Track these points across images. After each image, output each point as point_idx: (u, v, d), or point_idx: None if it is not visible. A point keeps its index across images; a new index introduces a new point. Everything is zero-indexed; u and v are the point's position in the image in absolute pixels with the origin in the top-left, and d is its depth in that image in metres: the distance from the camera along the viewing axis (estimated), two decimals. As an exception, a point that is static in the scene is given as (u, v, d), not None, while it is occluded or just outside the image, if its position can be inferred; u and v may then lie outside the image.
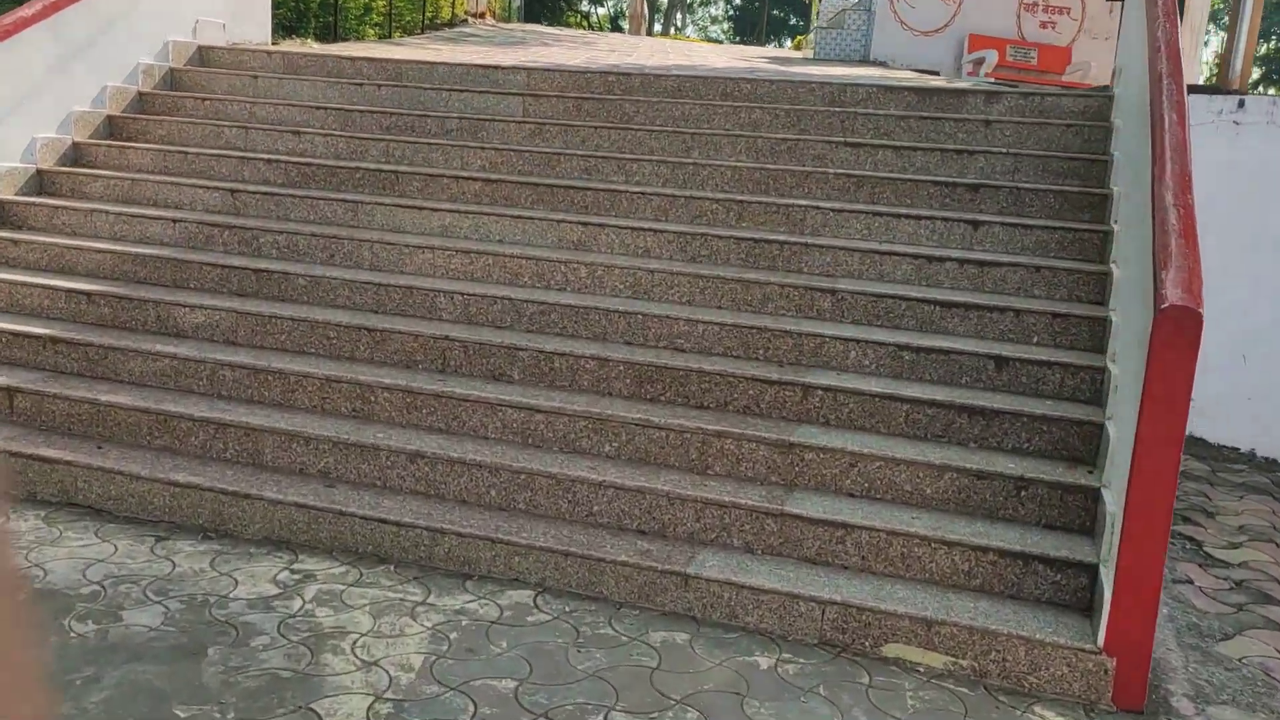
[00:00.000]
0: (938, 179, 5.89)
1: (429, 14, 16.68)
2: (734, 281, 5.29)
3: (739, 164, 6.21)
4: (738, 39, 50.67)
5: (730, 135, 6.46)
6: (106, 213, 6.34)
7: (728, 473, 4.42)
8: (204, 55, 7.97)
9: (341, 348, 5.23)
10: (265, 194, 6.42)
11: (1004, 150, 6.07)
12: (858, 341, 4.82)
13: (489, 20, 19.95)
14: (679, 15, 49.36)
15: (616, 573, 4.01)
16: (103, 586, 3.91)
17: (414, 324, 5.27)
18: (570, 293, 5.46)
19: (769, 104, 6.82)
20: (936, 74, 13.20)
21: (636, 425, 4.52)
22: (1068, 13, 15.05)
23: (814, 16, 47.87)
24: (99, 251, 6.01)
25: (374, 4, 13.93)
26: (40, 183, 6.71)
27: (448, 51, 11.13)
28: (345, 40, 12.61)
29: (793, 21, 53.06)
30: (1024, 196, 5.72)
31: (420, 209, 6.15)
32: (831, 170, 6.06)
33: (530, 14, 29.03)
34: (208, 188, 6.52)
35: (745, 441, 4.39)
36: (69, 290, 5.70)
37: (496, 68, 7.51)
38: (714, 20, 57.91)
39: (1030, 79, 14.75)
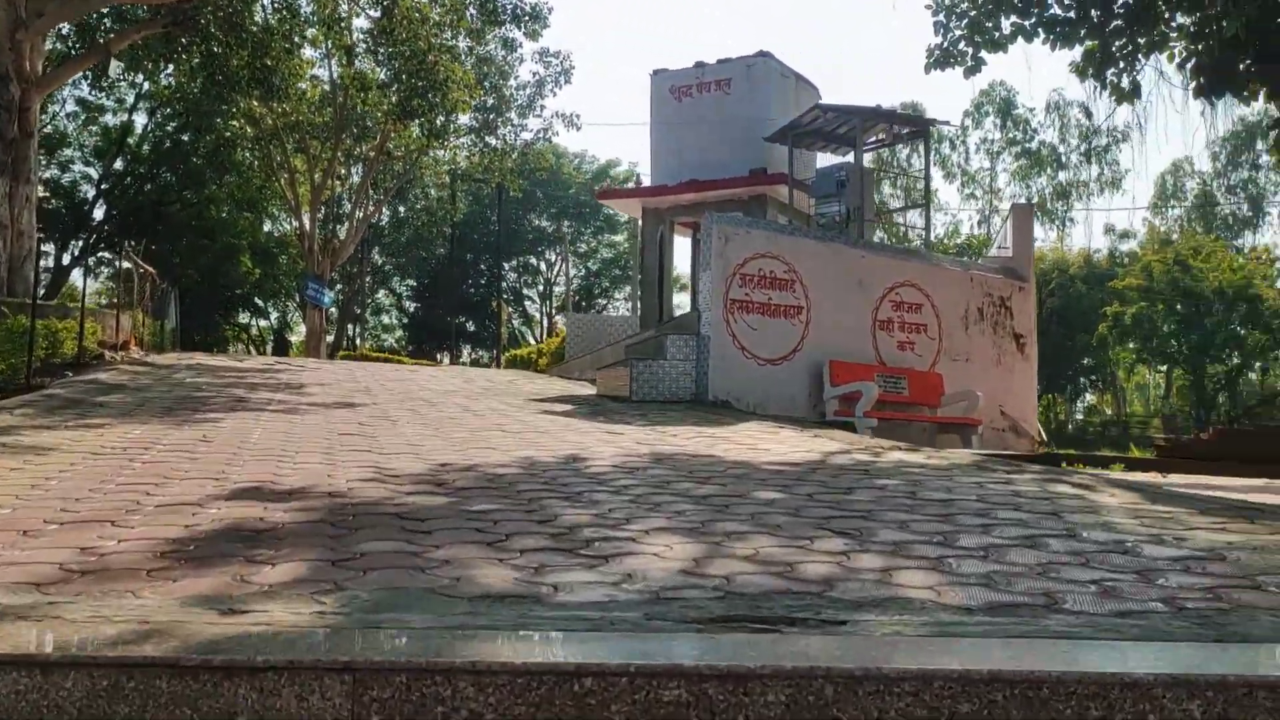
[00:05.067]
0: None
1: (42, 349, 10.88)
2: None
3: None
4: (410, 347, 46.83)
5: None
6: None
7: None
8: None
9: None
10: None
11: None
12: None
13: (135, 350, 14.27)
14: (351, 327, 44.97)
15: None
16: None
17: None
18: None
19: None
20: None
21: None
22: (924, 330, 12.13)
23: (503, 324, 45.42)
24: None
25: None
26: None
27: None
28: None
29: (471, 329, 50.26)
30: None
31: None
32: None
33: (185, 339, 23.23)
34: None
35: None
36: None
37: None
38: (386, 329, 54.07)
39: (904, 416, 11.36)
